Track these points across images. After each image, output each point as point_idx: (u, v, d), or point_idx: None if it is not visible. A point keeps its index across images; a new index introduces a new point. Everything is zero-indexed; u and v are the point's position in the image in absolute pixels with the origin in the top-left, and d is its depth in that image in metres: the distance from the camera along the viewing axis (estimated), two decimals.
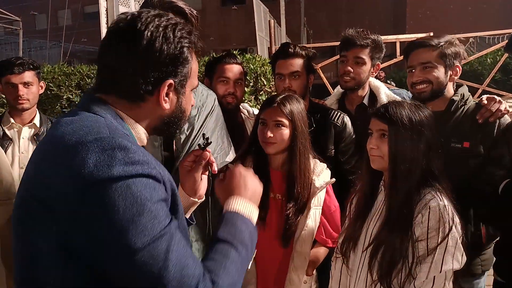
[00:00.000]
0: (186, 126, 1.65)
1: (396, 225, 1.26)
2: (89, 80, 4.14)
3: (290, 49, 1.92)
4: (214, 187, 1.03)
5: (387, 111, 1.31)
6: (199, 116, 1.71)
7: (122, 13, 0.90)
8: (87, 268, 0.72)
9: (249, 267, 0.88)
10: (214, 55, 3.49)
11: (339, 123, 1.92)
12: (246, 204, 0.93)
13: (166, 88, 0.86)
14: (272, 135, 1.56)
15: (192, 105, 0.97)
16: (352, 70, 1.97)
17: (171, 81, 0.86)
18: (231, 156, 1.80)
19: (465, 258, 1.23)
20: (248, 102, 3.76)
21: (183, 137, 1.64)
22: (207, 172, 1.11)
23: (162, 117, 0.90)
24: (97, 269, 0.72)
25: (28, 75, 2.20)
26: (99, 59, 0.87)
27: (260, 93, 4.01)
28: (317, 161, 1.67)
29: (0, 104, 4.13)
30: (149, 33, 0.83)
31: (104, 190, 0.69)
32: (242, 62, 3.30)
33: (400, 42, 5.37)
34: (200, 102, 1.74)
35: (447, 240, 1.20)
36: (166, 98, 0.87)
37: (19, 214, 0.80)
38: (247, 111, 2.30)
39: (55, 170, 0.73)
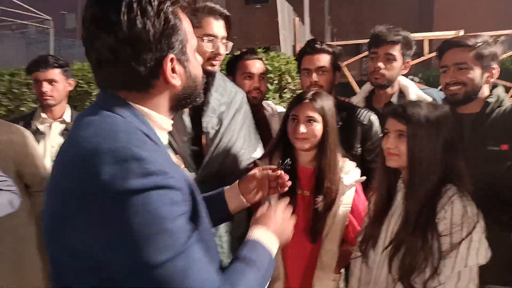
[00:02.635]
0: (215, 122, 1.67)
1: (417, 225, 1.25)
2: None
3: (317, 45, 1.92)
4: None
5: (405, 111, 1.30)
6: (227, 112, 1.72)
7: None
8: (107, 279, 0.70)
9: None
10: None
11: (366, 121, 1.89)
12: (270, 237, 0.94)
13: (169, 64, 0.80)
14: (305, 130, 1.55)
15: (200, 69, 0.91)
16: (383, 67, 1.94)
17: (171, 55, 0.80)
18: (258, 152, 1.80)
19: (489, 253, 1.23)
20: (273, 99, 3.75)
21: (212, 132, 1.66)
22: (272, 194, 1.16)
23: (177, 95, 0.86)
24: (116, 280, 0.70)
25: (53, 73, 2.26)
26: (90, 55, 0.80)
27: (284, 91, 3.99)
28: (346, 159, 1.66)
29: (34, 100, 4.28)
30: (125, 17, 0.75)
31: (120, 205, 0.65)
32: (266, 60, 3.28)
33: (428, 40, 5.24)
34: (229, 99, 1.75)
35: (472, 235, 1.20)
36: (173, 75, 0.82)
37: (44, 217, 0.78)
38: (271, 108, 2.30)
39: (69, 179, 0.70)
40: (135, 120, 0.78)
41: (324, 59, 1.92)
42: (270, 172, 1.16)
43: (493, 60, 1.61)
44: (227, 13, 1.69)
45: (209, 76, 1.74)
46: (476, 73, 1.60)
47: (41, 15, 9.39)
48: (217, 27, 1.65)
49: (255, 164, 1.71)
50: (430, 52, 5.30)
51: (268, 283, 1.56)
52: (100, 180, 0.65)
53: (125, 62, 0.77)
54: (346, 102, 2.10)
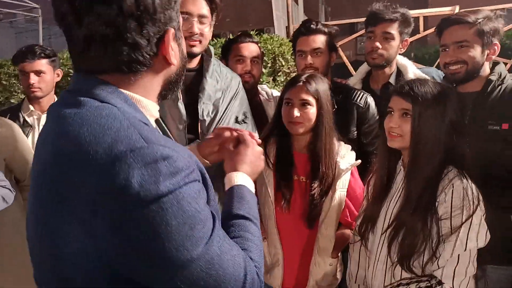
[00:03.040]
0: (211, 109, 1.63)
1: (418, 206, 1.23)
2: None
3: (312, 25, 1.87)
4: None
5: (412, 89, 1.26)
6: (223, 98, 1.67)
7: None
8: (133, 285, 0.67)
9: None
10: (231, 37, 3.43)
11: (362, 103, 1.85)
12: (248, 179, 0.95)
13: (170, 40, 0.73)
14: (299, 114, 1.52)
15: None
16: (380, 46, 1.89)
17: (172, 30, 0.73)
18: None
19: (489, 235, 1.21)
20: (266, 83, 3.69)
21: (208, 119, 1.61)
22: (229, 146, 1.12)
23: (170, 77, 0.79)
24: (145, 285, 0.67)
25: (40, 64, 2.18)
26: (72, 34, 0.70)
27: (278, 74, 3.93)
28: (342, 143, 1.63)
29: (24, 91, 4.21)
30: None
31: (154, 211, 0.62)
32: (259, 42, 3.22)
33: (423, 17, 5.15)
34: (224, 85, 1.70)
35: (472, 218, 1.18)
36: (172, 52, 0.75)
37: (39, 214, 0.71)
38: (266, 92, 2.25)
39: (85, 185, 0.63)
40: (128, 109, 0.71)
41: (319, 40, 1.87)
42: (228, 132, 1.15)
43: (494, 36, 1.56)
44: None
45: (204, 61, 1.69)
46: (477, 51, 1.55)
47: (29, 3, 9.17)
48: (192, 4, 1.55)
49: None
50: (425, 29, 5.21)
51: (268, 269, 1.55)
52: (130, 188, 0.61)
53: (127, 37, 0.68)
54: (342, 84, 2.06)
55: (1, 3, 9.08)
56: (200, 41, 1.59)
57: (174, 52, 0.76)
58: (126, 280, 0.67)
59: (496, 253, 1.39)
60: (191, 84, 1.65)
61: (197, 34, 1.57)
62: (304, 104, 1.53)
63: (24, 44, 2.43)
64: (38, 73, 2.18)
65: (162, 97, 0.82)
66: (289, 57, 3.95)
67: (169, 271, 0.65)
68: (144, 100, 0.76)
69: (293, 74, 3.78)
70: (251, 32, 3.86)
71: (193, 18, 1.55)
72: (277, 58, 3.90)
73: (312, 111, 1.53)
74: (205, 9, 1.58)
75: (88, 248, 0.65)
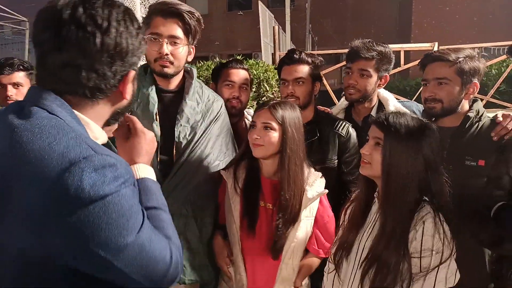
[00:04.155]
0: (188, 131, 1.62)
1: (391, 242, 1.21)
2: None
3: (295, 55, 1.89)
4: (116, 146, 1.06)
5: (387, 119, 1.27)
6: (203, 121, 1.67)
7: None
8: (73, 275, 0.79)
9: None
10: (219, 60, 3.49)
11: (344, 133, 1.88)
12: (148, 168, 1.02)
13: (130, 80, 0.90)
14: (258, 137, 1.52)
15: None
16: (356, 83, 1.93)
17: (133, 72, 0.90)
18: None
19: (458, 275, 1.19)
20: (251, 107, 3.75)
21: (184, 142, 1.60)
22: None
23: (118, 108, 0.94)
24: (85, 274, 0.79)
25: (18, 76, 2.18)
26: (52, 54, 0.81)
27: (263, 98, 4.00)
28: (312, 170, 1.62)
29: (0, 103, 4.14)
30: (114, 30, 0.83)
31: (99, 207, 0.75)
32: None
33: (404, 51, 5.36)
34: (205, 108, 1.70)
35: (441, 257, 1.17)
36: (128, 90, 0.91)
37: None
38: (251, 117, 2.28)
39: (40, 186, 0.74)
40: (72, 123, 0.82)
41: (302, 70, 1.89)
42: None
43: (474, 76, 1.59)
44: (184, 12, 1.56)
45: (185, 83, 1.69)
46: (455, 89, 1.59)
47: (16, 16, 9.13)
48: (162, 25, 1.54)
49: (219, 174, 1.67)
50: (406, 62, 5.41)
51: None
52: (82, 188, 0.73)
53: (98, 68, 0.83)
54: (325, 113, 2.09)
55: None
56: (172, 62, 1.58)
57: (130, 90, 0.92)
58: (72, 271, 0.78)
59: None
60: (170, 106, 1.64)
61: (167, 55, 1.56)
62: (266, 127, 1.53)
63: (10, 55, 2.42)
64: (15, 85, 2.17)
65: (106, 124, 0.95)
66: (274, 83, 4.03)
67: (110, 256, 0.77)
68: (91, 123, 0.88)
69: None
70: (239, 57, 3.94)
71: (162, 39, 1.55)
72: (261, 83, 3.97)
73: (274, 135, 1.52)
74: (177, 31, 1.57)
75: (34, 246, 0.76)
